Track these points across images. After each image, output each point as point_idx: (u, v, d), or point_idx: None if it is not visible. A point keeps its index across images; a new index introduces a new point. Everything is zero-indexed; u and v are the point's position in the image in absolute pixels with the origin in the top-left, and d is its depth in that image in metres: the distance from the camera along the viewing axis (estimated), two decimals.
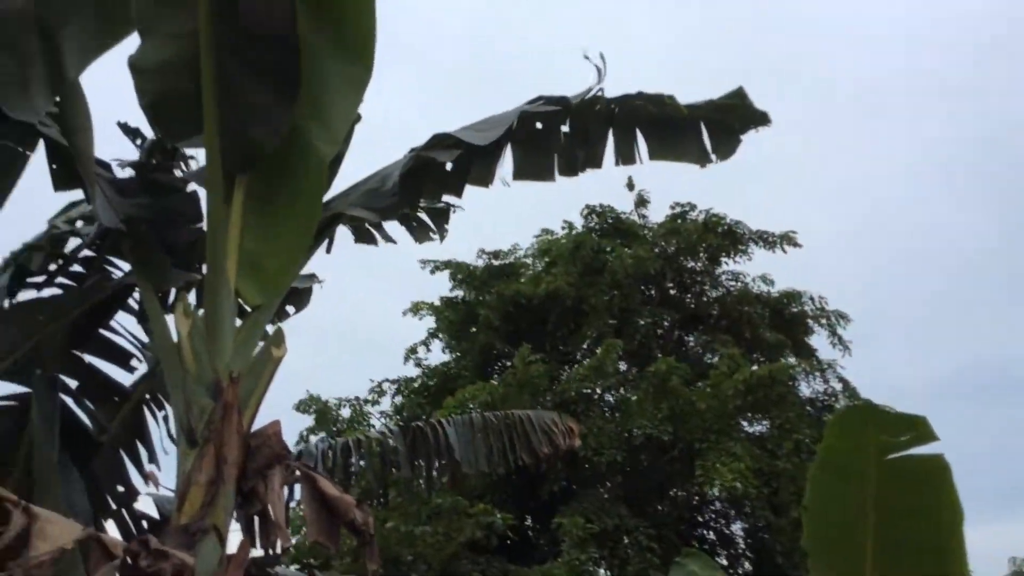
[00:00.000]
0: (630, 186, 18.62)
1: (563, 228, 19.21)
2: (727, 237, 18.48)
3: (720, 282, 19.05)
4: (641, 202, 19.32)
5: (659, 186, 19.54)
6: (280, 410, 3.64)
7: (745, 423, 16.89)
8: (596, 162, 5.11)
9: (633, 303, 17.94)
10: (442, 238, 5.26)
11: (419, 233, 5.26)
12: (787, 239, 18.41)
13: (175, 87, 3.52)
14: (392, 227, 5.12)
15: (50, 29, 3.86)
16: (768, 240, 18.50)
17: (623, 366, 17.54)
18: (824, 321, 18.60)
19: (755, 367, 16.62)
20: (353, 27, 3.53)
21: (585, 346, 18.14)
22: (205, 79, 3.39)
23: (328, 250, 4.67)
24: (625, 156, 5.11)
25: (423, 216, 5.23)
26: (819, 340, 18.60)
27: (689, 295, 19.13)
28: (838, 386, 18.16)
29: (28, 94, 3.88)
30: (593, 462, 15.60)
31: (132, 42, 3.68)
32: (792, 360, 17.65)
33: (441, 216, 5.25)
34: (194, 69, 3.42)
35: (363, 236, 5.12)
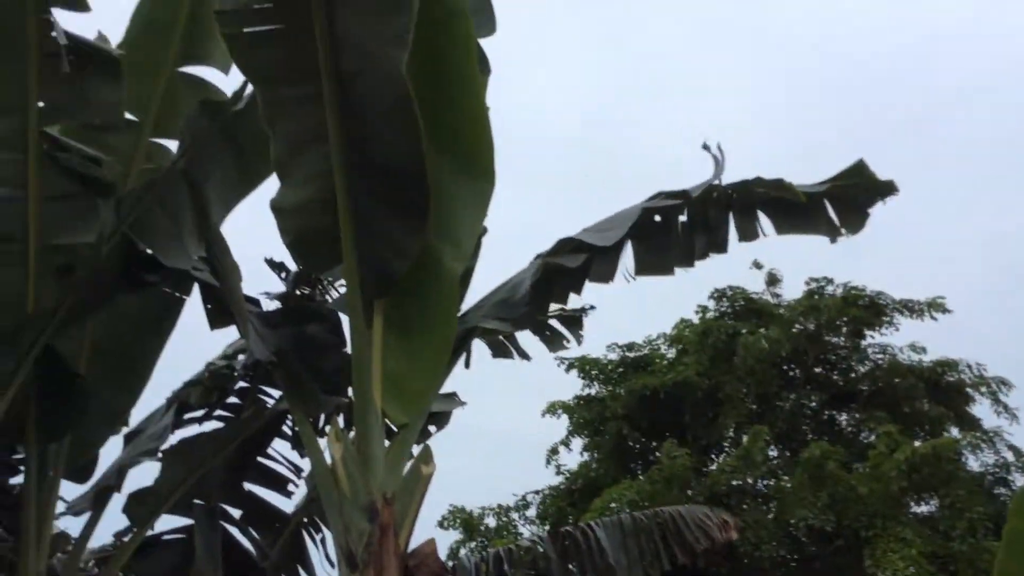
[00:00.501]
0: (757, 266, 18.30)
1: (697, 313, 18.91)
2: (869, 309, 17.72)
3: (867, 356, 18.19)
4: (772, 281, 18.87)
5: (788, 264, 19.09)
6: (423, 522, 3.67)
7: (912, 504, 15.82)
8: (719, 247, 5.06)
9: (771, 386, 17.34)
10: (579, 342, 5.29)
11: (553, 343, 5.32)
12: (935, 306, 17.50)
13: (314, 223, 3.73)
14: (526, 336, 5.20)
15: (197, 183, 4.20)
16: (914, 309, 17.65)
17: (772, 452, 16.86)
18: (985, 389, 17.41)
19: (916, 443, 15.66)
20: (471, 144, 3.68)
21: (728, 434, 17.57)
22: (341, 214, 3.59)
23: (467, 365, 4.76)
24: (748, 234, 5.05)
25: (556, 324, 5.28)
26: (981, 409, 17.39)
27: (835, 372, 18.35)
28: (1009, 456, 16.84)
29: (181, 243, 4.20)
30: (753, 557, 14.87)
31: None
32: (956, 433, 16.54)
33: (575, 323, 5.29)
34: (330, 205, 3.62)
35: (499, 350, 5.22)
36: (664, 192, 4.85)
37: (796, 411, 17.23)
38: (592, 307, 5.23)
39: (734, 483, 15.96)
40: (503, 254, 5.25)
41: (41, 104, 4.03)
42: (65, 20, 3.97)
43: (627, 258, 4.89)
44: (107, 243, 4.01)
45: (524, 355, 5.21)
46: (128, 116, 4.35)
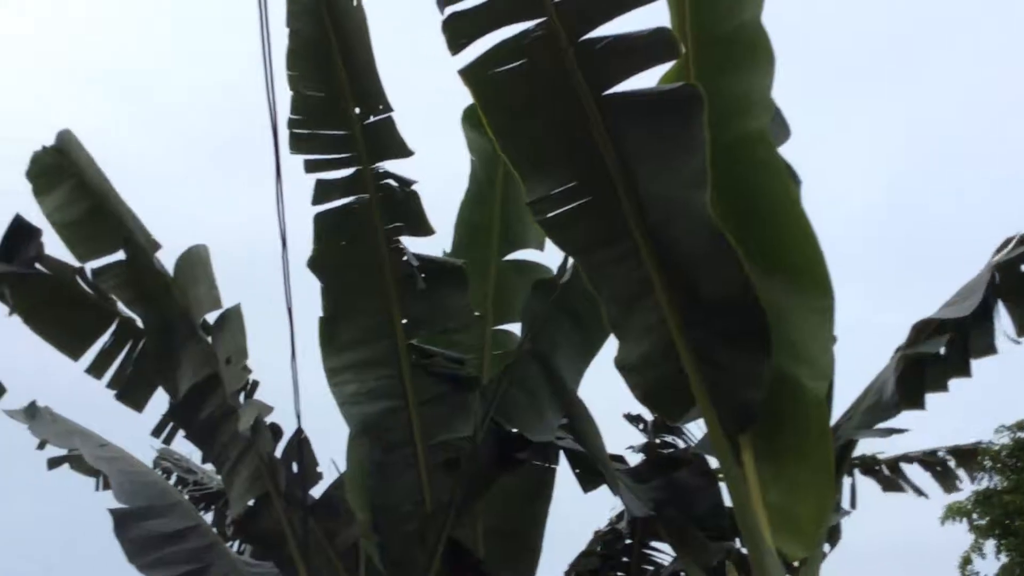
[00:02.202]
0: None
1: None
2: None
3: None
4: None
5: None
6: None
7: None
8: None
9: None
10: (972, 480, 4.84)
11: (945, 481, 4.87)
12: None
13: (660, 373, 3.78)
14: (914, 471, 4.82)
15: (546, 357, 4.46)
16: None
17: None
18: None
19: None
20: (801, 260, 3.58)
21: None
22: (684, 359, 3.61)
23: (852, 505, 4.49)
24: None
25: (948, 459, 4.84)
26: None
27: None
28: None
29: (542, 417, 4.43)
30: None
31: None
32: None
33: (967, 458, 4.83)
34: (671, 353, 3.66)
35: (890, 485, 4.87)
36: (1016, 236, 4.36)
37: None
38: (980, 442, 4.76)
39: None
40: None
41: (404, 321, 4.57)
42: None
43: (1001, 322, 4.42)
44: (481, 431, 4.36)
45: (920, 492, 4.81)
46: (475, 312, 4.79)
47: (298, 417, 4.41)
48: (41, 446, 5.42)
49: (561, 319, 4.47)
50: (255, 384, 4.88)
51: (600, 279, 3.85)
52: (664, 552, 4.97)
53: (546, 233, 3.99)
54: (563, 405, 4.45)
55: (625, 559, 5.08)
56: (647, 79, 3.42)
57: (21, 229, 4.61)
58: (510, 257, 4.90)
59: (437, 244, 4.93)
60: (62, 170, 4.78)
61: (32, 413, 5.36)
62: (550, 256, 4.79)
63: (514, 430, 4.41)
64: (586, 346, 4.58)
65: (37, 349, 4.94)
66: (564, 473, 4.80)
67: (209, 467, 5.73)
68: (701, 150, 3.35)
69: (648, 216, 3.56)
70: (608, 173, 3.56)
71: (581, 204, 3.73)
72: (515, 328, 4.77)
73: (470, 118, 4.89)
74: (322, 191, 4.51)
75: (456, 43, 3.37)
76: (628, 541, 5.07)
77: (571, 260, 4.43)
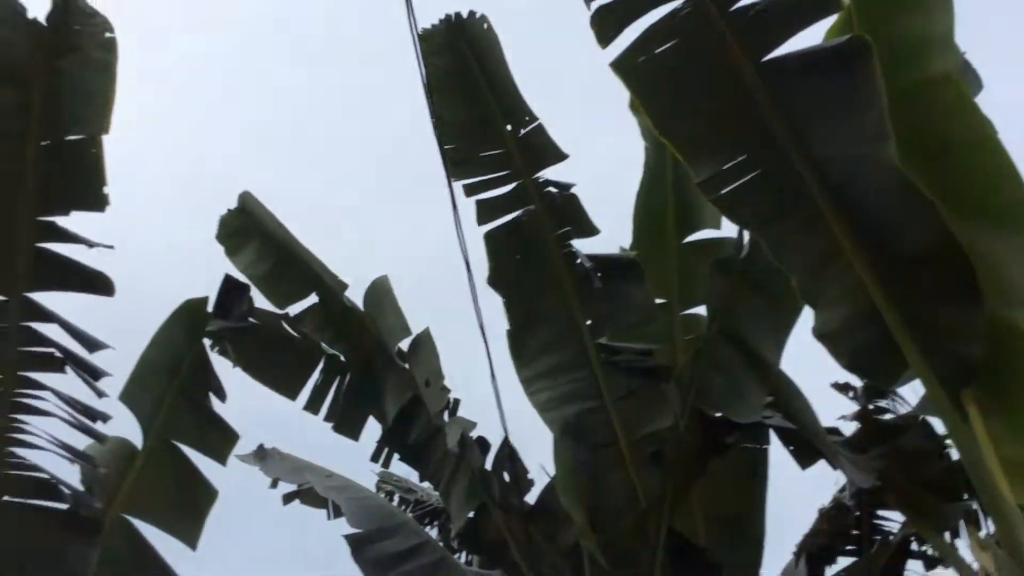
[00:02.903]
0: None
1: None
2: None
3: None
4: None
5: None
6: None
7: None
8: None
9: None
10: None
11: None
12: None
13: (865, 338, 3.61)
14: None
15: (739, 337, 4.37)
16: None
17: None
18: None
19: None
20: (1006, 198, 3.32)
21: None
22: (889, 320, 3.43)
23: None
24: None
25: None
26: None
27: None
28: None
29: (744, 398, 4.34)
30: None
31: None
32: None
33: None
34: (874, 315, 3.49)
35: None
36: None
37: None
38: None
39: None
40: None
41: (588, 323, 4.61)
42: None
43: None
44: (682, 420, 4.32)
45: None
46: (657, 301, 4.75)
47: (504, 428, 4.54)
48: (274, 484, 5.84)
49: (748, 295, 4.36)
50: (456, 402, 5.06)
51: (784, 250, 3.73)
52: (892, 520, 4.75)
53: (721, 211, 3.91)
54: (765, 382, 4.34)
55: (855, 531, 4.89)
56: (808, 39, 3.30)
57: (231, 287, 4.98)
58: (689, 239, 4.83)
59: (615, 240, 4.94)
60: (248, 229, 5.13)
61: (262, 455, 5.79)
62: (728, 233, 4.68)
63: (718, 414, 4.35)
64: (780, 319, 4.45)
65: (257, 395, 5.34)
66: (778, 453, 4.68)
67: (427, 485, 5.99)
68: (878, 101, 3.17)
69: (828, 178, 3.42)
70: (778, 141, 3.44)
71: (753, 177, 3.62)
72: (704, 311, 4.69)
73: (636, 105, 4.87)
74: (486, 211, 4.64)
75: (605, 36, 3.37)
76: (856, 514, 4.88)
77: (748, 234, 4.31)
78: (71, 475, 4.27)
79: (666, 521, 4.31)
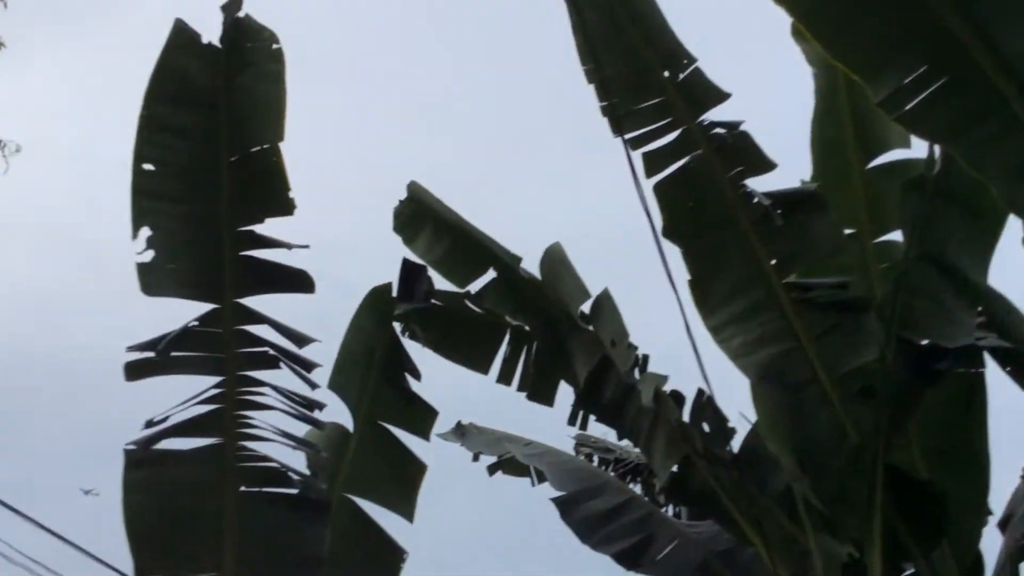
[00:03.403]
0: None
1: None
2: None
3: None
4: None
5: None
6: None
7: None
8: None
9: None
10: None
11: None
12: None
13: None
14: None
15: (938, 257, 4.15)
16: None
17: None
18: None
19: None
20: None
21: None
22: None
23: None
24: None
25: None
26: None
27: None
28: None
29: (953, 321, 4.12)
30: None
31: None
32: None
33: None
34: None
35: None
36: None
37: None
38: None
39: None
40: None
41: (773, 262, 4.49)
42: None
43: None
44: (889, 351, 4.14)
45: None
46: (846, 231, 4.56)
47: (705, 377, 4.50)
48: (475, 458, 6.04)
49: (946, 213, 4.11)
50: (645, 358, 5.05)
51: (982, 159, 3.50)
52: None
53: (907, 128, 3.72)
54: (974, 302, 4.10)
55: None
56: None
57: (410, 271, 5.16)
58: (874, 163, 4.60)
59: (794, 175, 4.78)
60: (420, 216, 5.29)
61: (461, 432, 5.99)
62: (915, 152, 4.43)
63: (925, 342, 4.14)
64: (983, 233, 4.18)
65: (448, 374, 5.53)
66: (995, 375, 4.41)
67: (625, 443, 6.03)
68: None
69: (1016, 71, 3.19)
70: (963, 44, 3.24)
71: (939, 86, 3.42)
72: (898, 236, 4.46)
73: (800, 31, 4.68)
74: (653, 162, 4.58)
75: None
76: None
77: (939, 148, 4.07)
78: (296, 461, 4.58)
79: (882, 457, 4.15)
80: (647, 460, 5.00)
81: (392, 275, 5.19)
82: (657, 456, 4.80)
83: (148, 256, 4.29)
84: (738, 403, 4.74)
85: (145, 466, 4.27)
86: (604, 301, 5.08)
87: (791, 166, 4.79)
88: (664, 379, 4.81)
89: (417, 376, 5.16)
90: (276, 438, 4.45)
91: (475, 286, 5.27)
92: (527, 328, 5.32)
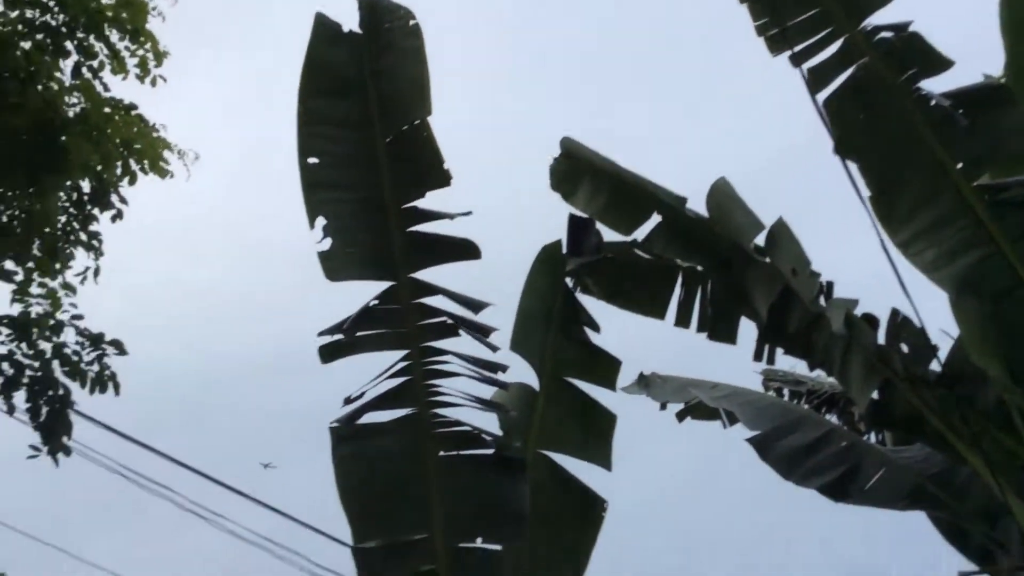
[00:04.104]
0: None
1: None
2: None
3: None
4: None
5: None
6: None
7: None
8: None
9: None
10: None
11: None
12: None
13: None
14: None
15: None
16: None
17: None
18: None
19: None
20: None
21: None
22: None
23: None
24: None
25: None
26: None
27: None
28: None
29: None
30: None
31: None
32: None
33: None
34: None
35: None
36: None
37: None
38: None
39: None
40: None
41: (960, 166, 4.18)
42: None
43: None
44: None
45: None
46: None
47: (907, 296, 4.26)
48: (663, 407, 6.00)
49: None
50: (830, 284, 4.85)
51: None
52: None
53: None
54: None
55: None
56: None
57: (577, 225, 5.15)
58: None
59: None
60: (577, 170, 5.25)
61: (645, 382, 5.96)
62: None
63: None
64: None
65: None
66: None
67: (816, 374, 5.83)
68: None
69: None
70: None
71: None
72: None
73: None
74: (816, 77, 4.37)
75: None
76: None
77: None
78: (488, 424, 4.70)
79: None
80: (844, 388, 4.80)
81: (545, 237, 5.19)
82: (854, 383, 4.61)
83: (327, 244, 4.47)
84: (938, 320, 4.48)
85: (350, 441, 4.49)
86: (780, 230, 4.91)
87: (967, 67, 4.43)
88: (854, 303, 4.61)
89: (596, 328, 5.16)
90: (466, 402, 4.58)
91: (641, 233, 5.21)
92: (699, 269, 5.21)
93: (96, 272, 7.73)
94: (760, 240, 4.97)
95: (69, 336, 7.12)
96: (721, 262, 5.08)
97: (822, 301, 4.75)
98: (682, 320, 5.27)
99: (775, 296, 4.79)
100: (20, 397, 6.93)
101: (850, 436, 4.92)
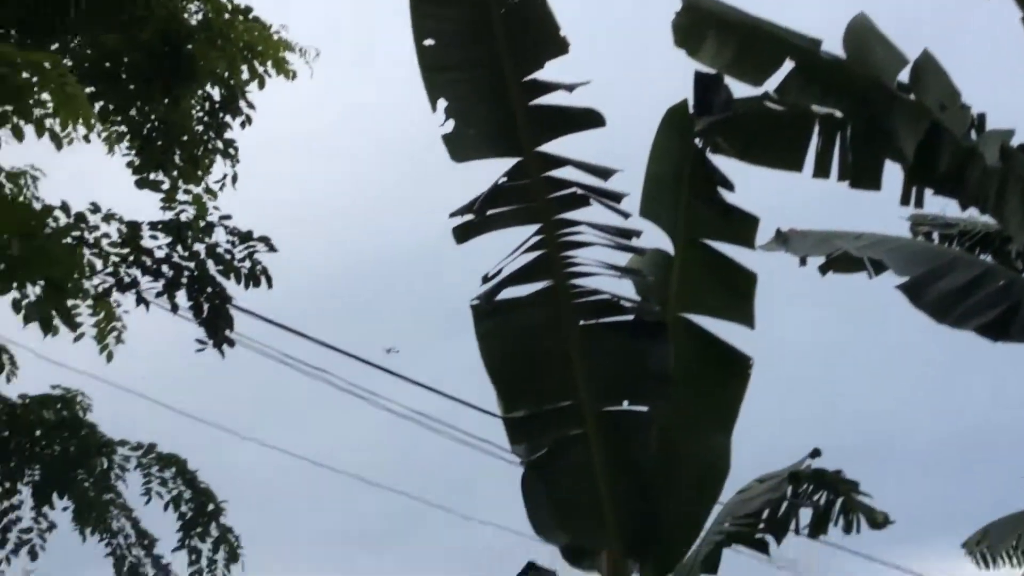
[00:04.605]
0: None
1: None
2: None
3: None
4: None
5: None
6: None
7: None
8: None
9: None
10: None
11: None
12: None
13: None
14: None
15: None
16: None
17: None
18: None
19: None
20: None
21: None
22: None
23: None
24: None
25: None
26: None
27: None
28: None
29: None
30: None
31: None
32: None
33: None
34: None
35: None
36: None
37: None
38: None
39: None
40: None
41: None
42: None
43: None
44: None
45: None
46: None
47: None
48: (803, 262, 5.80)
49: None
50: (982, 117, 4.53)
51: None
52: None
53: None
54: None
55: None
56: None
57: (704, 82, 4.94)
58: None
59: None
60: (701, 23, 4.99)
61: (783, 238, 5.76)
62: None
63: None
64: None
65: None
66: None
67: (969, 213, 5.50)
68: None
69: None
70: None
71: None
72: None
73: None
74: None
75: None
76: None
77: None
78: (625, 290, 4.70)
79: None
80: (999, 225, 4.52)
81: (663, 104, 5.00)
82: (1012, 218, 4.34)
83: (450, 126, 4.47)
84: None
85: (491, 316, 4.60)
86: (926, 63, 4.59)
87: None
88: (1011, 134, 4.30)
89: (730, 187, 5.01)
90: (602, 271, 4.58)
91: (773, 83, 4.96)
92: (837, 114, 4.94)
93: (235, 179, 7.99)
94: (904, 76, 4.66)
95: (220, 236, 7.43)
96: (862, 103, 4.80)
97: (974, 135, 4.44)
98: (821, 169, 5.04)
99: (922, 134, 4.52)
100: (182, 296, 7.33)
101: (1009, 274, 4.64)
